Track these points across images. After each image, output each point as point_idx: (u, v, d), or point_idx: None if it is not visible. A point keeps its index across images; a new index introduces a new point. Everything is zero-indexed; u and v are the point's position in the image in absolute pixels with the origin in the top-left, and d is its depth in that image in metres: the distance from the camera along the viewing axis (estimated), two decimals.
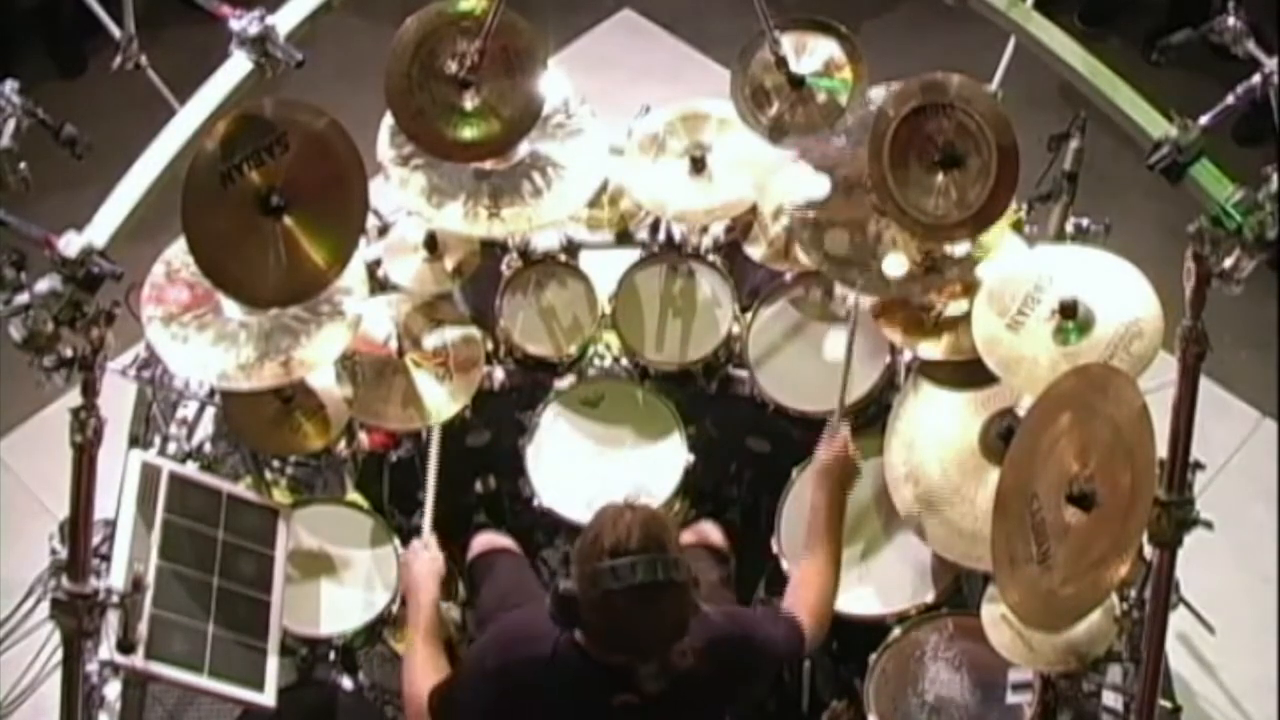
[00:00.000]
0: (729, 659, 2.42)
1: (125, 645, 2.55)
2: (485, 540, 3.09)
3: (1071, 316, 2.74)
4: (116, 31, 2.94)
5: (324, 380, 3.08)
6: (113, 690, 2.78)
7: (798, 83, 2.97)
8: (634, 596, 2.19)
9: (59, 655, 2.48)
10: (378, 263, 3.28)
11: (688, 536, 3.13)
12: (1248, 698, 3.67)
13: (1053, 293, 2.78)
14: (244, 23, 2.67)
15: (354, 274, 2.92)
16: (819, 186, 2.99)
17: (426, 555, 2.83)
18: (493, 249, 3.33)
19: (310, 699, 2.97)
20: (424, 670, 2.58)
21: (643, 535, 2.21)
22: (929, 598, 2.91)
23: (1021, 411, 2.80)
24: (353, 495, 3.26)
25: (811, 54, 2.99)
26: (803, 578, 2.64)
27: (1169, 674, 2.97)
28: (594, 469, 3.16)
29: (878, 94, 2.88)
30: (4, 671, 2.83)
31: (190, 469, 3.02)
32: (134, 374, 3.14)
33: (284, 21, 2.74)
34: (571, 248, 3.39)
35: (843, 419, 2.78)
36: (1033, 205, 3.25)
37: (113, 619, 2.51)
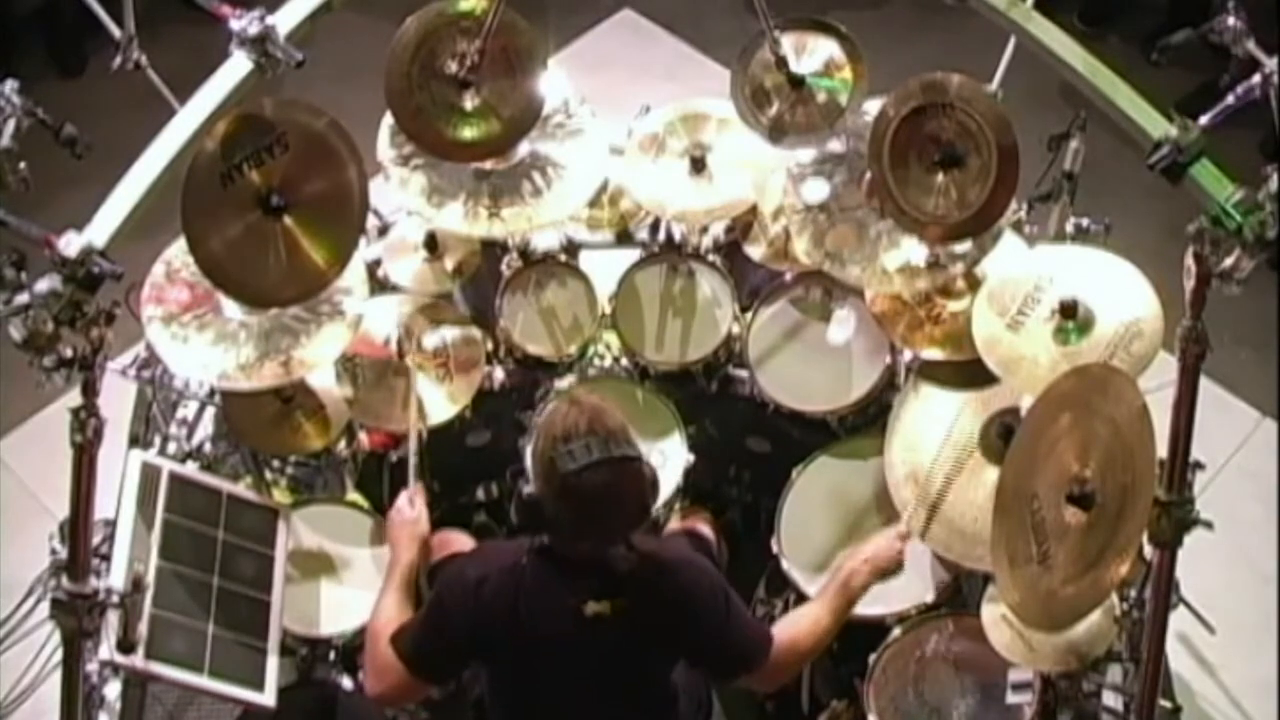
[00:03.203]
0: (684, 580, 2.51)
1: (125, 645, 2.55)
2: (443, 540, 3.03)
3: (1071, 316, 2.74)
4: (116, 31, 2.94)
5: (324, 380, 3.08)
6: (113, 690, 2.78)
7: (798, 83, 2.97)
8: (592, 473, 2.28)
9: (59, 655, 2.48)
10: (378, 263, 3.28)
11: (674, 527, 3.14)
12: (1248, 698, 3.67)
13: (1053, 293, 2.78)
14: (244, 23, 2.67)
15: (354, 274, 2.92)
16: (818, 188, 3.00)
17: (411, 514, 2.82)
18: (493, 249, 3.33)
19: (310, 699, 2.97)
20: (393, 617, 2.60)
21: (590, 420, 2.32)
22: (929, 598, 2.91)
23: (1022, 411, 2.81)
24: (353, 495, 3.25)
25: (811, 54, 2.99)
26: (799, 619, 2.70)
27: (1169, 674, 2.96)
28: None
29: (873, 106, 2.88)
30: (4, 671, 2.82)
31: (190, 469, 3.01)
32: (134, 374, 3.13)
33: (284, 21, 2.74)
34: (571, 248, 3.39)
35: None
36: (1033, 205, 3.25)
37: (113, 619, 2.50)
